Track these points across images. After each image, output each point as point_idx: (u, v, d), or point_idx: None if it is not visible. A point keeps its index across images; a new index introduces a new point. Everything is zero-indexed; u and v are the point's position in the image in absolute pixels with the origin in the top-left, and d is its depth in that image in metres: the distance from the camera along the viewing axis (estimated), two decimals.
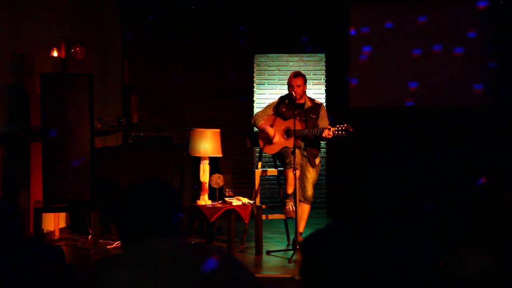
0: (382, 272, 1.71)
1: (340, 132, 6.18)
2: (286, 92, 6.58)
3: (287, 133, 6.48)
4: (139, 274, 2.09)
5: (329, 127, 6.23)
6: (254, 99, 9.03)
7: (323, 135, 6.22)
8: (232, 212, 6.02)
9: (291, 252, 5.97)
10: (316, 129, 6.32)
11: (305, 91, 6.58)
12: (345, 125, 6.18)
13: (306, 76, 6.70)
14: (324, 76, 8.98)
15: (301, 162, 6.33)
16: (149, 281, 2.08)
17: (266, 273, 5.53)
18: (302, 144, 6.45)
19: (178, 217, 2.26)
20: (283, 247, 6.44)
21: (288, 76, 6.59)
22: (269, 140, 6.53)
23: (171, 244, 2.18)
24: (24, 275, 2.78)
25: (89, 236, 6.49)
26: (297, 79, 6.47)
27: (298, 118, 6.37)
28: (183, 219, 2.31)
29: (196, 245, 2.32)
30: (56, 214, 6.62)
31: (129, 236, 2.22)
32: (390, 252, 1.73)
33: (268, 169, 6.90)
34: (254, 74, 9.02)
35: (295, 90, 6.42)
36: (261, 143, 6.63)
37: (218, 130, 6.30)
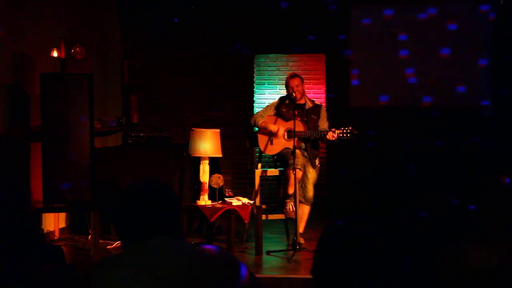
0: (386, 272, 1.71)
1: (345, 135, 6.19)
2: (286, 93, 6.59)
3: (288, 134, 6.48)
4: (139, 274, 2.09)
5: (333, 129, 6.24)
6: (254, 99, 9.03)
7: (327, 137, 6.23)
8: (232, 212, 6.01)
9: (291, 252, 5.96)
10: (318, 132, 6.33)
11: (304, 92, 6.58)
12: (350, 128, 6.20)
13: (306, 76, 6.70)
14: (324, 76, 8.98)
15: (303, 162, 6.33)
16: (149, 281, 2.08)
17: (266, 273, 5.53)
18: (303, 145, 6.45)
19: (176, 217, 2.26)
20: (283, 247, 6.43)
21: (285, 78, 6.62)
22: (273, 137, 6.52)
23: (170, 244, 2.18)
24: (24, 275, 2.78)
25: (89, 236, 6.49)
26: (294, 79, 6.48)
27: (299, 119, 6.38)
28: (181, 220, 2.31)
29: (196, 245, 2.32)
30: (56, 214, 6.62)
31: (128, 236, 2.22)
32: (393, 252, 1.74)
33: (268, 169, 6.90)
34: (254, 74, 9.02)
35: (294, 90, 6.43)
36: (261, 144, 6.63)
37: (218, 130, 6.30)
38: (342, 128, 6.22)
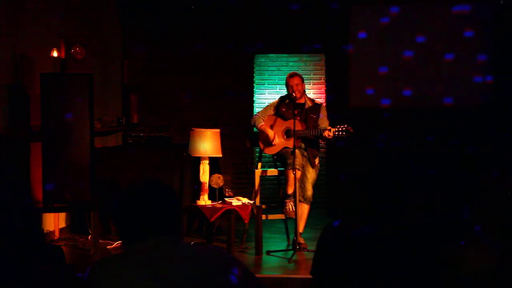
0: (386, 272, 1.71)
1: (340, 133, 6.19)
2: (286, 92, 6.59)
3: (287, 133, 6.48)
4: (139, 274, 2.09)
5: (329, 127, 6.25)
6: (254, 99, 9.03)
7: (324, 134, 6.23)
8: (232, 212, 6.01)
9: (291, 252, 5.96)
10: (316, 130, 6.33)
11: (305, 91, 6.58)
12: (346, 125, 6.19)
13: (306, 76, 6.69)
14: (324, 76, 8.98)
15: (302, 162, 6.33)
16: (149, 281, 2.08)
17: (266, 273, 5.53)
18: (303, 144, 6.45)
19: (177, 217, 2.26)
20: (283, 247, 6.44)
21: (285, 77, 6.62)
22: (269, 142, 6.53)
23: (170, 244, 2.18)
24: (24, 275, 2.78)
25: (89, 236, 6.49)
26: (294, 78, 6.48)
27: (298, 118, 6.37)
28: (182, 220, 2.31)
29: (195, 245, 2.32)
30: (56, 214, 6.62)
31: (129, 236, 2.22)
32: (393, 252, 1.74)
33: (268, 169, 6.90)
34: (254, 74, 9.02)
35: (294, 89, 6.43)
36: (261, 143, 6.64)
37: (218, 130, 6.30)
38: (338, 126, 6.21)
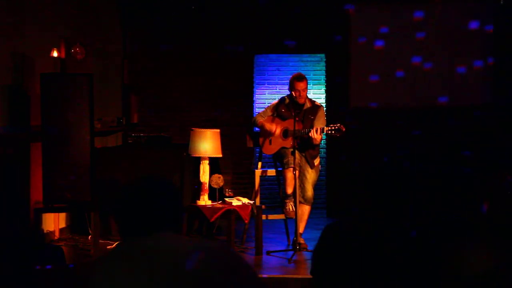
0: (384, 272, 1.71)
1: (332, 132, 6.13)
2: (286, 92, 6.57)
3: (285, 133, 6.47)
4: (138, 271, 2.09)
5: (316, 128, 6.18)
6: (254, 99, 9.04)
7: (309, 134, 6.17)
8: (232, 212, 6.02)
9: (291, 253, 5.97)
10: (304, 130, 6.28)
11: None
12: (338, 124, 6.12)
13: (306, 76, 6.66)
14: (324, 76, 8.98)
15: (299, 162, 6.31)
16: (147, 279, 2.08)
17: (266, 273, 5.53)
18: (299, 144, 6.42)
19: (177, 214, 2.26)
20: (283, 247, 6.44)
21: (290, 77, 6.48)
22: (270, 136, 6.49)
23: (168, 240, 2.18)
24: (24, 275, 2.78)
25: (89, 236, 6.49)
26: (302, 83, 6.35)
27: (297, 118, 6.35)
28: (182, 216, 2.31)
29: (195, 241, 2.31)
30: (56, 214, 6.62)
31: (130, 233, 2.22)
32: (391, 251, 1.74)
33: (268, 169, 6.90)
34: (254, 74, 9.02)
35: (301, 94, 6.35)
36: (261, 143, 6.63)
37: (218, 130, 6.29)
38: (331, 125, 6.15)
